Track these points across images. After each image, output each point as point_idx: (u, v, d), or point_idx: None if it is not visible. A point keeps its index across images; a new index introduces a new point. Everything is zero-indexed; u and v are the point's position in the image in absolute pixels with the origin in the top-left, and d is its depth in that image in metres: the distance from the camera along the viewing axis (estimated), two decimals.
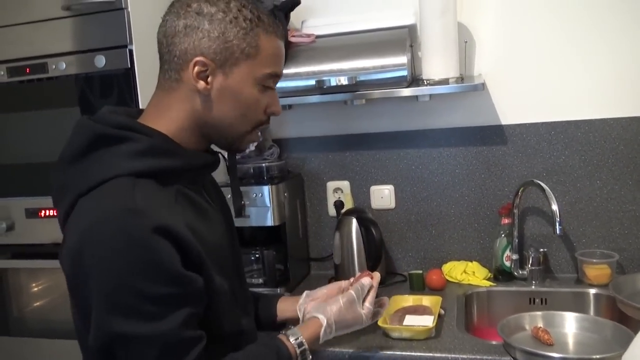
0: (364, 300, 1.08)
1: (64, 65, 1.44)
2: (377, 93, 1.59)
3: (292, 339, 0.96)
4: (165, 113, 0.91)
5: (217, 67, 0.88)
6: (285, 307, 1.18)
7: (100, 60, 1.40)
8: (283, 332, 0.99)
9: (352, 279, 1.17)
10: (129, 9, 1.38)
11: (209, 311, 0.89)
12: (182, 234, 0.83)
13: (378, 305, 1.13)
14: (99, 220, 0.81)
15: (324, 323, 1.01)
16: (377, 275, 1.15)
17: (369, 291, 1.10)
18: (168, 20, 0.91)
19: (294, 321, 1.12)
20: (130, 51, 1.39)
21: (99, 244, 0.79)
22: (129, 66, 1.39)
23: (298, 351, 0.95)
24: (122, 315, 0.79)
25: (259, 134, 1.00)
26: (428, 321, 1.36)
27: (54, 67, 1.45)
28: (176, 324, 0.80)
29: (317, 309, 1.05)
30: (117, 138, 0.86)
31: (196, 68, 0.88)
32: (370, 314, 1.09)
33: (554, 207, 1.49)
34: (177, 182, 0.90)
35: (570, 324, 1.33)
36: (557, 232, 1.49)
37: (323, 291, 1.16)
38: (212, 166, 0.98)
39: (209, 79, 0.89)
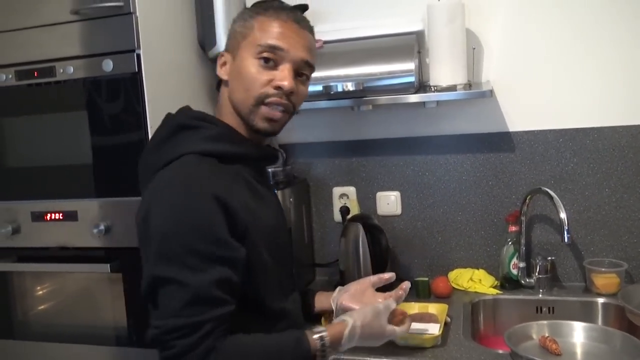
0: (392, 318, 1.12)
1: (72, 69, 1.44)
2: (384, 99, 1.58)
3: (315, 335, 1.00)
4: (221, 108, 1.10)
5: (230, 55, 1.08)
6: (321, 299, 1.29)
7: (108, 65, 1.40)
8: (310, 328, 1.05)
9: (384, 276, 1.25)
10: (137, 14, 1.38)
11: (250, 285, 1.00)
12: (232, 205, 0.96)
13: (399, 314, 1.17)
14: (166, 184, 0.97)
15: (349, 324, 1.04)
16: (407, 284, 1.20)
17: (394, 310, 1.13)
18: None
19: (329, 313, 1.25)
20: (138, 55, 1.39)
21: (162, 203, 0.95)
22: (137, 70, 1.39)
23: (319, 345, 0.99)
24: (167, 260, 0.92)
25: (274, 110, 1.04)
26: (434, 329, 1.35)
27: (61, 70, 1.45)
28: (208, 281, 0.91)
29: (347, 314, 1.08)
30: (192, 126, 1.04)
31: (220, 61, 1.09)
32: (392, 332, 1.11)
33: (562, 215, 1.47)
34: (236, 164, 1.05)
35: (578, 333, 1.32)
36: (565, 241, 1.47)
37: (355, 286, 1.25)
38: (269, 159, 1.17)
39: (225, 67, 1.08)
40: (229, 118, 1.08)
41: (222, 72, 1.09)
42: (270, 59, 1.02)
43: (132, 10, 1.38)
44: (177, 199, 0.94)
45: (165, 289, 0.92)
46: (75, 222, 1.50)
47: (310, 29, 1.09)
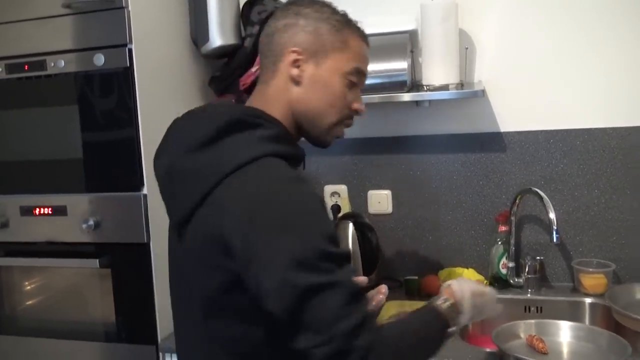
0: None
1: (63, 63, 1.43)
2: (376, 98, 1.59)
3: (441, 303, 0.98)
4: (271, 105, 0.98)
5: (310, 57, 0.97)
6: None
7: (100, 59, 1.40)
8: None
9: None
10: (130, 8, 1.38)
11: None
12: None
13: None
14: (273, 188, 0.86)
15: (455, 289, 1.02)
16: (385, 288, 1.12)
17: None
18: (270, 24, 1.01)
19: None
20: (130, 50, 1.38)
21: (277, 208, 0.84)
22: (128, 65, 1.38)
23: (449, 311, 0.98)
24: (307, 270, 0.81)
25: (344, 130, 1.04)
26: None
27: (52, 64, 1.44)
28: (349, 276, 0.85)
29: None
30: (251, 124, 0.93)
31: (292, 56, 0.96)
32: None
33: (552, 215, 1.48)
34: (295, 167, 0.97)
35: (565, 332, 1.33)
36: (554, 241, 1.49)
37: None
38: (303, 159, 1.04)
39: (302, 67, 0.97)
40: (283, 117, 0.98)
41: (295, 72, 0.97)
42: (355, 83, 1.01)
43: (124, 5, 1.38)
44: (294, 202, 0.86)
45: (319, 297, 0.82)
46: (65, 217, 1.49)
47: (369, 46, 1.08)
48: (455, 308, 0.99)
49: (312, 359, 0.83)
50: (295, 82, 0.97)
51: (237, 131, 0.92)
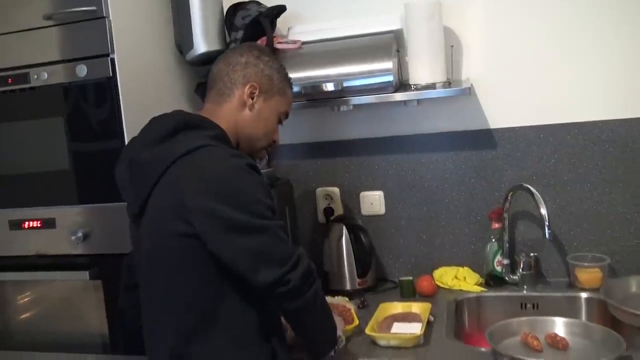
0: None
1: (46, 75, 1.43)
2: (364, 98, 1.58)
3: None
4: (220, 120, 1.20)
5: (262, 93, 1.24)
6: None
7: (82, 70, 1.39)
8: None
9: None
10: (111, 18, 1.37)
11: None
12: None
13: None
14: (219, 165, 1.08)
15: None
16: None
17: None
18: (230, 55, 1.26)
19: None
20: (112, 60, 1.38)
21: (226, 179, 1.07)
22: (111, 75, 1.38)
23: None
24: (256, 217, 1.06)
25: (265, 154, 1.37)
26: (416, 329, 1.34)
27: (36, 77, 1.44)
28: (279, 221, 1.11)
29: None
30: (198, 125, 1.16)
31: (250, 89, 1.23)
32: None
33: (543, 211, 1.47)
34: None
35: (559, 329, 1.32)
36: (547, 237, 1.48)
37: None
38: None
39: (254, 99, 1.24)
40: (227, 131, 1.20)
41: (250, 101, 1.23)
42: (281, 121, 1.32)
43: (105, 15, 1.37)
44: (240, 171, 1.08)
45: (273, 236, 1.07)
46: (54, 230, 1.48)
47: None
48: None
49: (283, 290, 1.05)
50: (248, 109, 1.23)
51: (187, 130, 1.13)
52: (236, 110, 1.22)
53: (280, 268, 1.05)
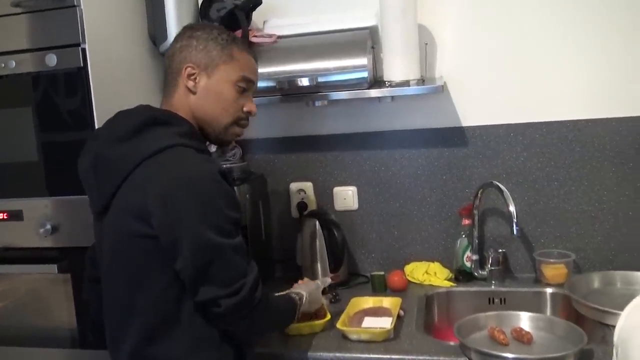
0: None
1: (14, 64, 1.39)
2: (340, 94, 1.59)
3: (295, 296, 1.31)
4: (179, 110, 1.17)
5: (202, 70, 1.17)
6: None
7: (52, 59, 1.36)
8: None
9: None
10: (82, 7, 1.34)
11: None
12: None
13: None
14: (186, 170, 1.06)
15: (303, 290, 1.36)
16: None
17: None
18: (170, 47, 1.22)
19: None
20: (83, 50, 1.35)
21: (191, 186, 1.04)
22: (82, 65, 1.35)
23: (299, 302, 1.30)
24: (216, 233, 1.04)
25: (242, 129, 1.25)
26: (386, 323, 1.36)
27: (3, 65, 1.39)
28: (241, 240, 1.09)
29: (298, 286, 1.41)
30: (166, 121, 1.13)
31: (187, 71, 1.17)
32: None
33: (511, 208, 1.51)
34: None
35: (524, 323, 1.35)
36: (515, 233, 1.51)
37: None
38: (225, 175, 1.20)
39: (197, 80, 1.18)
40: (190, 121, 1.18)
41: (191, 83, 1.17)
42: (245, 89, 1.21)
43: (76, 4, 1.34)
44: (206, 180, 1.05)
45: (226, 256, 1.04)
46: (21, 222, 1.45)
47: (256, 59, 1.28)
48: (300, 299, 1.30)
49: (215, 311, 1.05)
50: (192, 92, 1.17)
51: (154, 126, 1.11)
52: (184, 98, 1.17)
53: (217, 290, 1.04)
